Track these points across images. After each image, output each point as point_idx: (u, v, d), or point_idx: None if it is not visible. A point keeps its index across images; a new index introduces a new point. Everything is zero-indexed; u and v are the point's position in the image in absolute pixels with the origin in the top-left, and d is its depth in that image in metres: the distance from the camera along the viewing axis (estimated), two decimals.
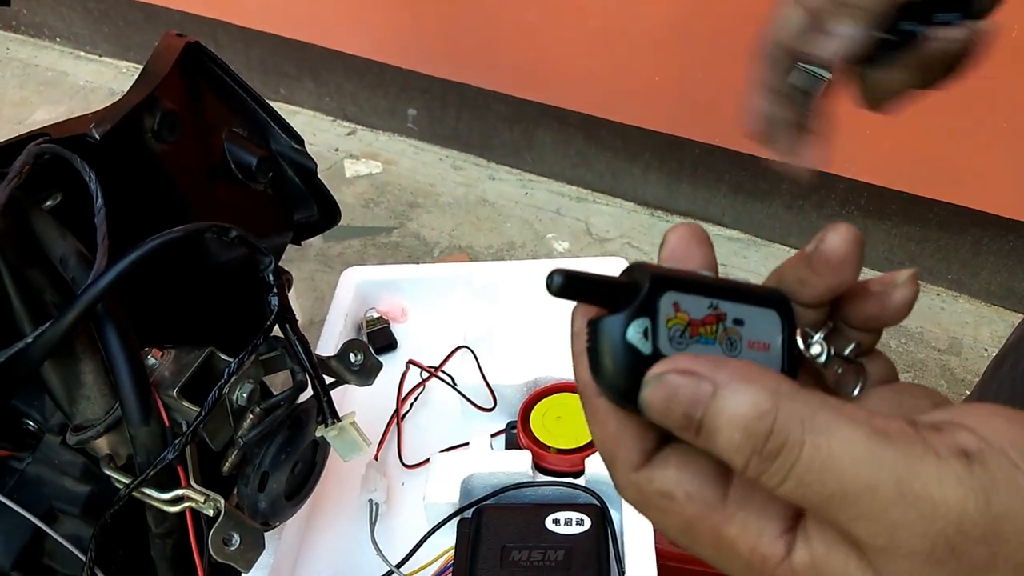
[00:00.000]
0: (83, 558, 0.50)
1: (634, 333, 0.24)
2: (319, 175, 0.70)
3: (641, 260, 0.26)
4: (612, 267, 0.76)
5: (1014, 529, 0.19)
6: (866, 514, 0.20)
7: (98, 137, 0.51)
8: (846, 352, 0.27)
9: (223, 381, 0.48)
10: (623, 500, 0.56)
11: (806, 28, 0.49)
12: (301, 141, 0.68)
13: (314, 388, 0.52)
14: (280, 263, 0.72)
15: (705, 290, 0.25)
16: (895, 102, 0.53)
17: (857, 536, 0.21)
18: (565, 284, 0.24)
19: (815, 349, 0.27)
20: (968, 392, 1.19)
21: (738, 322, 0.25)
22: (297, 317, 0.54)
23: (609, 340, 0.24)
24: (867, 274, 0.26)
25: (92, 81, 2.50)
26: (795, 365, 0.27)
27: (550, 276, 0.24)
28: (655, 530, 0.78)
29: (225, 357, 0.52)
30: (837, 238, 0.25)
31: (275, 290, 0.51)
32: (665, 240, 0.28)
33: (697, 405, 0.22)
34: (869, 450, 0.21)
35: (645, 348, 0.24)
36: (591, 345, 0.25)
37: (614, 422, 0.25)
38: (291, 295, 0.71)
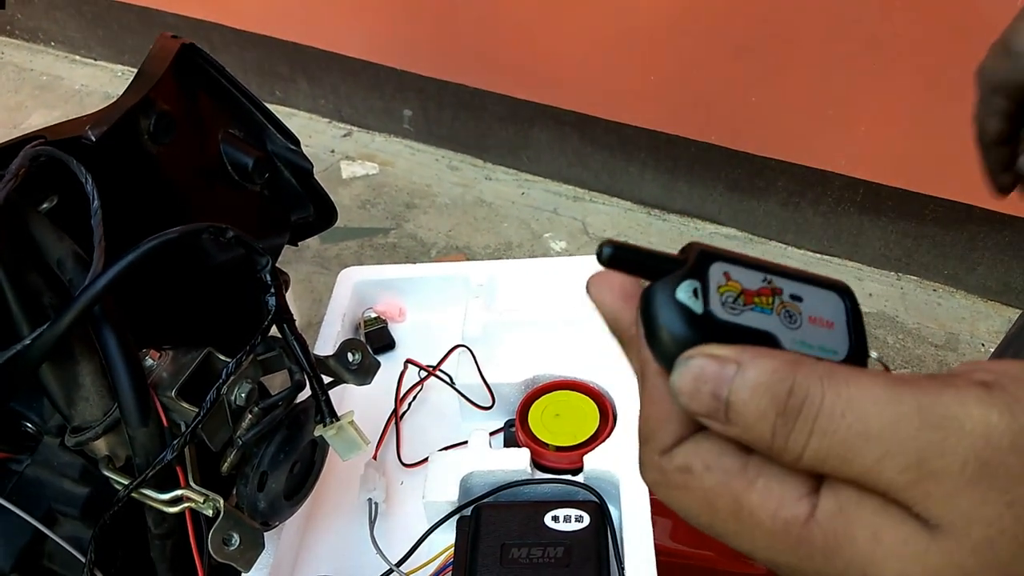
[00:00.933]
0: (83, 560, 0.50)
1: (684, 293, 0.24)
2: (316, 177, 0.70)
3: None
4: None
5: None
6: (892, 449, 0.20)
7: (94, 139, 0.52)
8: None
9: (221, 381, 0.48)
10: (622, 497, 0.56)
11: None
12: (297, 142, 0.68)
13: (312, 388, 0.52)
14: (277, 264, 0.72)
15: (758, 266, 0.25)
16: None
17: (889, 479, 0.21)
18: (615, 254, 0.24)
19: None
20: None
21: (796, 298, 0.25)
22: (295, 318, 0.54)
23: (661, 300, 0.24)
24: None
25: (87, 85, 2.50)
26: (863, 344, 0.26)
27: (600, 247, 0.24)
28: (671, 514, 0.78)
29: (223, 358, 0.52)
30: None
31: (272, 290, 0.51)
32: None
33: (722, 384, 0.23)
34: (888, 391, 0.21)
35: (696, 307, 0.24)
36: (643, 310, 0.25)
37: (667, 405, 0.25)
38: (289, 296, 0.71)
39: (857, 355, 0.25)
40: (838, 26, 1.50)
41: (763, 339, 0.24)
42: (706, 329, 0.24)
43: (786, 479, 0.23)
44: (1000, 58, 0.56)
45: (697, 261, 0.24)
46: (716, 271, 0.24)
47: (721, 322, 0.24)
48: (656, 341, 0.25)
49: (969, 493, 0.20)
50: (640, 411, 0.26)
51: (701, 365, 0.23)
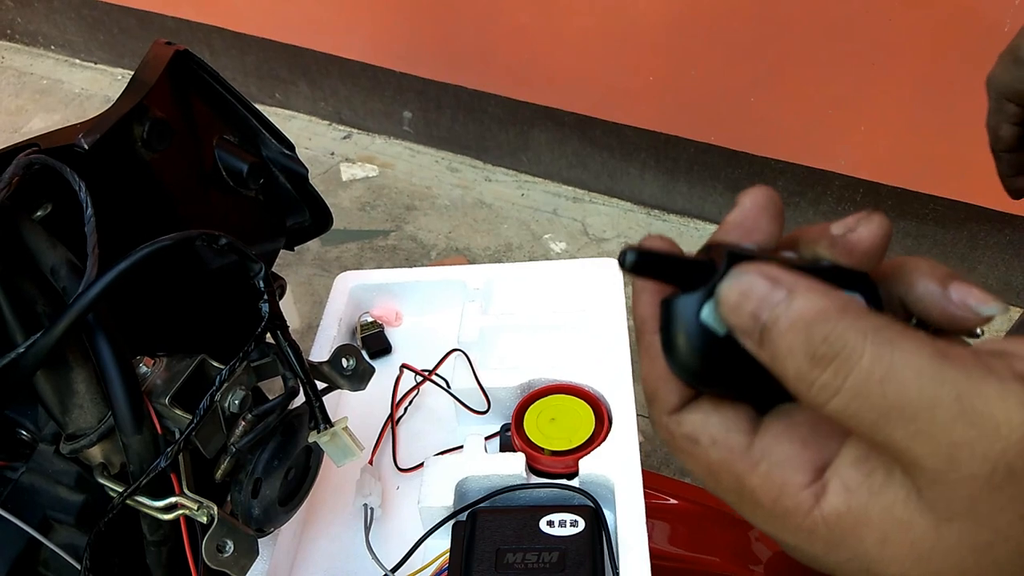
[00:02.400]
0: (78, 567, 0.50)
1: (709, 313, 0.24)
2: (315, 179, 0.70)
3: (717, 239, 0.26)
4: (608, 269, 0.76)
5: None
6: (926, 431, 0.20)
7: (87, 147, 0.52)
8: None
9: (214, 388, 0.49)
10: (616, 501, 0.56)
11: None
12: (292, 147, 0.68)
13: (306, 394, 0.52)
14: (277, 268, 0.73)
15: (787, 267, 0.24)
16: None
17: (914, 457, 0.20)
18: (639, 261, 0.23)
19: None
20: None
21: None
22: (294, 322, 0.54)
23: (683, 320, 0.24)
24: None
25: (87, 89, 2.50)
26: None
27: (623, 253, 0.23)
28: (668, 518, 0.78)
29: (217, 364, 0.52)
30: (868, 230, 0.25)
31: (266, 297, 0.51)
32: (738, 202, 0.26)
33: (765, 307, 0.22)
34: (932, 365, 0.20)
35: (720, 329, 0.24)
36: (663, 324, 0.25)
37: (660, 364, 0.25)
38: (288, 300, 0.71)
39: None
40: (838, 26, 1.50)
41: None
42: (726, 351, 0.24)
43: (788, 465, 0.23)
44: (1009, 66, 0.57)
45: (725, 273, 0.23)
46: None
47: (742, 344, 0.23)
48: (674, 357, 0.24)
49: (989, 498, 0.20)
50: (640, 368, 0.26)
51: (751, 282, 0.22)
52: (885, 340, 0.21)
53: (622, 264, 0.23)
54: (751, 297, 0.22)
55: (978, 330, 0.25)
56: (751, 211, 0.26)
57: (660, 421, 0.26)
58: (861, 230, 0.25)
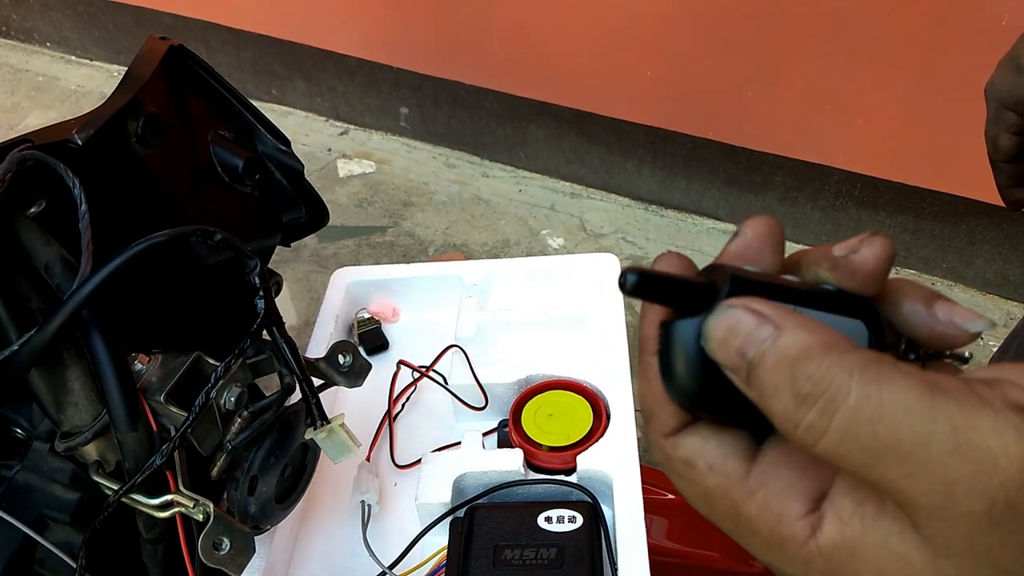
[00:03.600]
0: (74, 565, 0.50)
1: None
2: (312, 176, 0.70)
3: (720, 261, 0.26)
4: (606, 264, 0.76)
5: None
6: (920, 469, 0.19)
7: (80, 143, 0.51)
8: (946, 354, 0.26)
9: (210, 385, 0.48)
10: (615, 497, 0.56)
11: None
12: (287, 143, 0.68)
13: (302, 390, 0.52)
14: (273, 264, 0.72)
15: (787, 296, 0.24)
16: None
17: (910, 496, 0.20)
18: (639, 283, 0.23)
19: (910, 358, 0.26)
20: None
21: None
22: (291, 319, 0.54)
23: (681, 344, 0.24)
24: None
25: (83, 85, 2.50)
26: None
27: (623, 275, 0.23)
28: (666, 513, 0.78)
29: (212, 361, 0.52)
30: (871, 251, 0.24)
31: (262, 293, 0.51)
32: (740, 231, 0.26)
33: (752, 343, 0.22)
34: (923, 401, 0.19)
35: None
36: (662, 348, 0.24)
37: (658, 383, 0.25)
38: (284, 297, 0.70)
39: None
40: (836, 21, 1.49)
41: None
42: (724, 378, 0.23)
43: (786, 494, 0.23)
44: (1009, 74, 0.55)
45: (727, 298, 0.23)
46: None
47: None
48: (672, 381, 0.24)
49: (989, 533, 0.19)
50: (638, 387, 0.26)
51: (739, 317, 0.22)
52: (873, 377, 0.20)
53: (622, 287, 0.23)
54: (738, 333, 0.22)
55: (966, 352, 0.25)
56: (753, 241, 0.26)
57: (656, 442, 0.25)
58: (864, 251, 0.24)
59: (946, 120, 1.51)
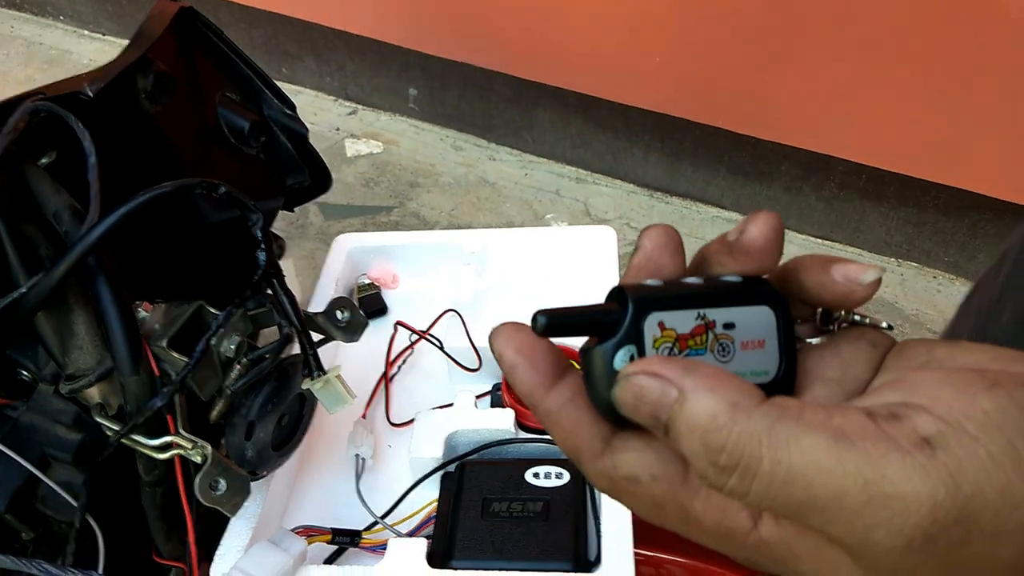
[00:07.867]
0: (75, 504, 0.52)
1: (621, 361, 0.25)
2: (320, 152, 0.71)
3: (623, 283, 0.27)
4: (601, 236, 0.77)
5: (983, 503, 0.20)
6: (838, 518, 0.21)
7: (91, 94, 0.53)
8: (853, 319, 0.27)
9: (211, 332, 0.50)
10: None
11: None
12: (293, 107, 0.69)
13: (300, 341, 0.53)
14: (281, 242, 0.74)
15: (690, 301, 0.25)
16: None
17: (833, 536, 0.21)
18: (549, 324, 0.24)
19: (830, 329, 0.27)
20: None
21: (728, 326, 0.26)
22: (296, 295, 0.55)
23: (598, 369, 0.25)
24: (865, 258, 0.26)
25: (96, 60, 2.51)
26: (792, 357, 0.27)
27: (534, 318, 0.24)
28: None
29: (214, 311, 0.53)
30: (756, 228, 0.26)
31: (263, 245, 0.52)
32: (639, 245, 0.27)
33: (663, 408, 0.23)
34: (832, 456, 0.21)
35: None
36: (585, 373, 0.26)
37: (567, 421, 0.25)
38: (290, 273, 0.72)
39: (787, 370, 0.26)
40: (845, 11, 1.50)
41: None
42: None
43: None
44: None
45: (632, 319, 0.25)
46: (650, 324, 0.25)
47: None
48: (599, 403, 0.25)
49: (911, 558, 0.20)
50: (553, 437, 0.26)
51: (642, 385, 0.23)
52: (781, 441, 0.21)
53: (535, 327, 0.24)
54: (646, 400, 0.23)
55: (884, 323, 0.27)
56: (653, 251, 0.27)
57: (595, 470, 0.26)
58: (751, 230, 0.26)
59: (953, 113, 1.52)
